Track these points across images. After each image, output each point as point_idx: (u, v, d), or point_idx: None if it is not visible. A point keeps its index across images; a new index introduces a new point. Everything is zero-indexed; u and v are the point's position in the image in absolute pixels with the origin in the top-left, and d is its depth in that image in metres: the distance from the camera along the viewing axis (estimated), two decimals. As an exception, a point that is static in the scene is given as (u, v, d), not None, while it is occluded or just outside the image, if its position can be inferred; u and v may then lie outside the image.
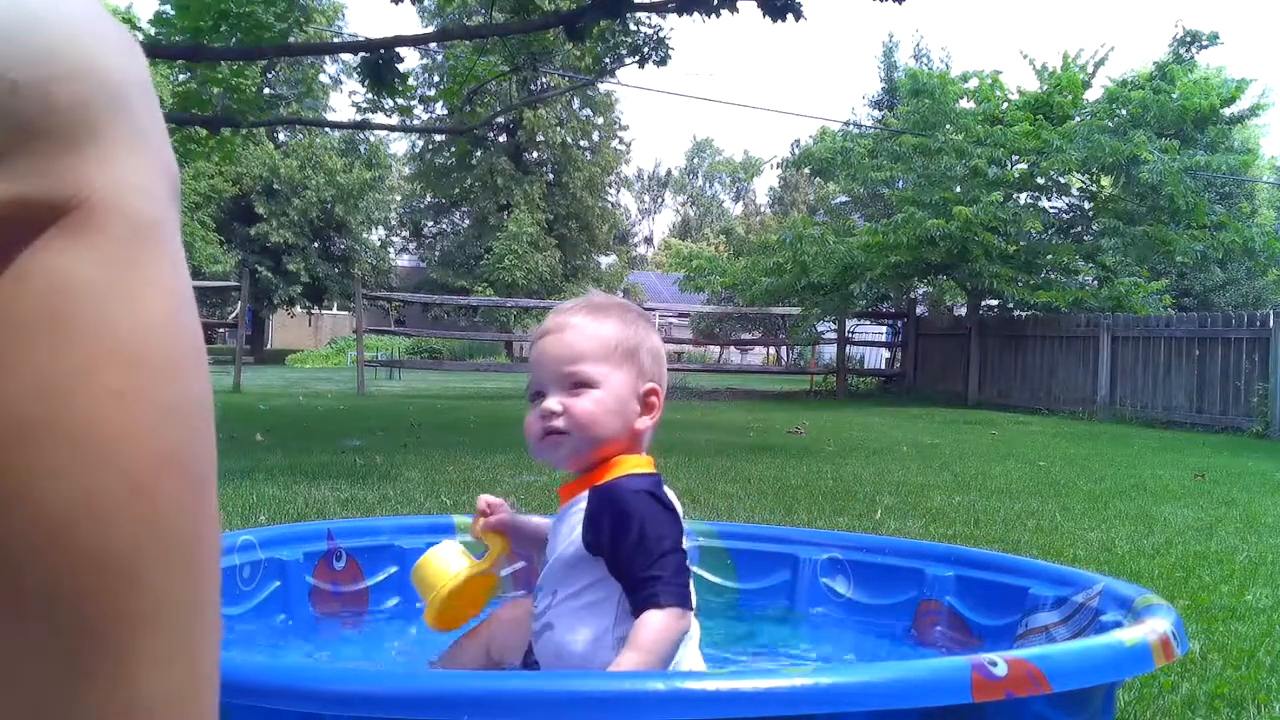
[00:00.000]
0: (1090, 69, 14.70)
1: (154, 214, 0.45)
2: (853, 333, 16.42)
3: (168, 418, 0.44)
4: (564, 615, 1.44)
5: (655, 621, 1.34)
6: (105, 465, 0.42)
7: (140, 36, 6.83)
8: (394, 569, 2.18)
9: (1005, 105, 14.53)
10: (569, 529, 1.47)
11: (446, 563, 1.56)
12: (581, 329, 1.49)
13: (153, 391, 0.44)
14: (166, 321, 0.45)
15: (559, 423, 1.46)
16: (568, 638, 1.42)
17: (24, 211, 0.41)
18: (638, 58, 8.90)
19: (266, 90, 23.61)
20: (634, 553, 1.38)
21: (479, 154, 31.81)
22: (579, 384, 1.47)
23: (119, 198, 0.43)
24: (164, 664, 0.44)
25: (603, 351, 1.48)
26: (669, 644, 1.34)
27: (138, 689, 0.43)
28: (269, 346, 31.70)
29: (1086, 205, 15.06)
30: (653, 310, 25.29)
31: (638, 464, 1.50)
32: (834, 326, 15.41)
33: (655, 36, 8.85)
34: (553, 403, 1.46)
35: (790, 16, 7.55)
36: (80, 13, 0.43)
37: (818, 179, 21.16)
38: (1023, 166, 13.94)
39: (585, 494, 1.48)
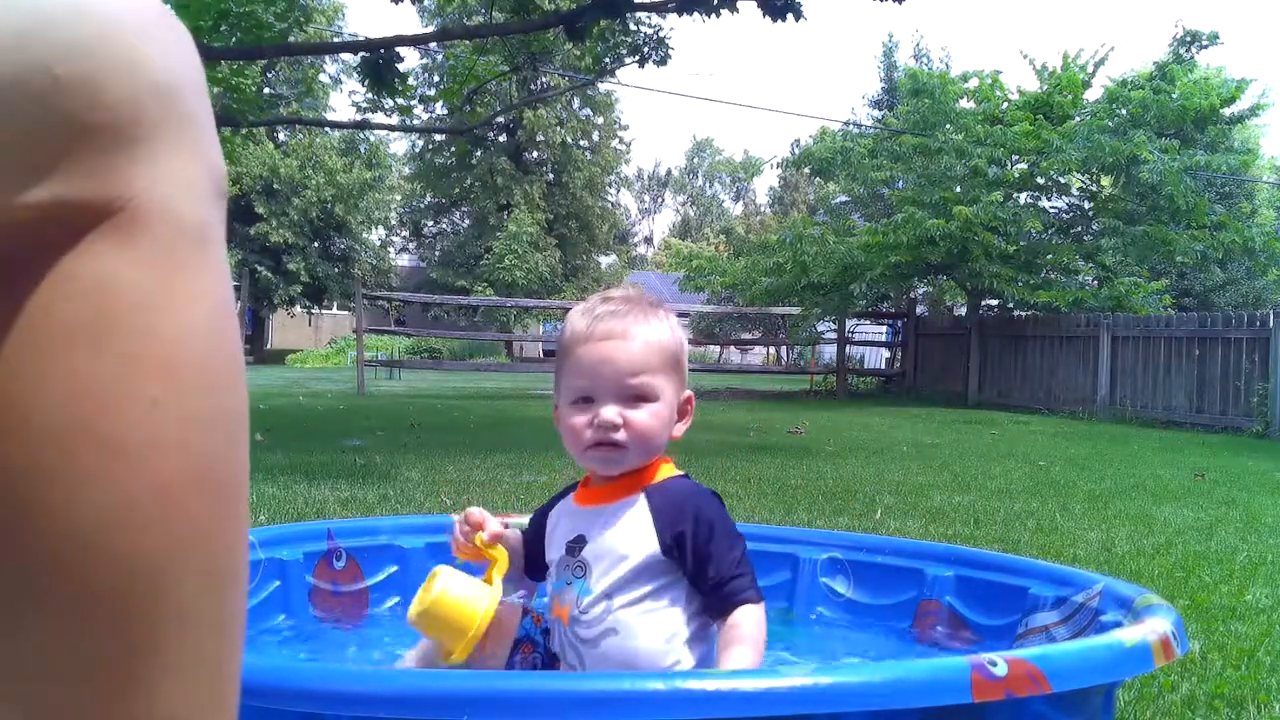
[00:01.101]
0: (1090, 69, 14.69)
1: (199, 217, 0.44)
2: (853, 333, 16.42)
3: (202, 428, 0.43)
4: (629, 619, 1.41)
5: (756, 616, 1.40)
6: (137, 474, 0.41)
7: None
8: (394, 569, 2.18)
9: (1005, 105, 14.52)
10: (626, 533, 1.44)
11: (468, 598, 1.42)
12: (643, 337, 1.44)
13: (188, 401, 0.43)
14: (207, 329, 0.44)
15: (620, 436, 1.42)
16: (637, 642, 1.41)
17: (68, 212, 0.40)
18: (638, 58, 8.90)
19: (266, 90, 23.60)
20: (721, 554, 1.41)
21: (479, 154, 31.82)
22: (640, 397, 1.43)
23: (165, 200, 0.42)
24: (188, 672, 0.44)
25: (660, 362, 1.45)
26: (765, 635, 1.42)
27: (162, 696, 0.43)
28: (269, 346, 31.70)
29: (1086, 205, 15.05)
30: (653, 310, 25.26)
31: (671, 466, 1.52)
32: (834, 326, 15.41)
33: (655, 36, 8.86)
34: (612, 414, 1.42)
35: (790, 16, 7.56)
36: (129, 3, 0.42)
37: (818, 179, 21.14)
38: (1023, 166, 13.94)
39: (635, 498, 1.46)
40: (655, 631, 1.42)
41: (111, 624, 0.41)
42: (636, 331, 1.44)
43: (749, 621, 1.39)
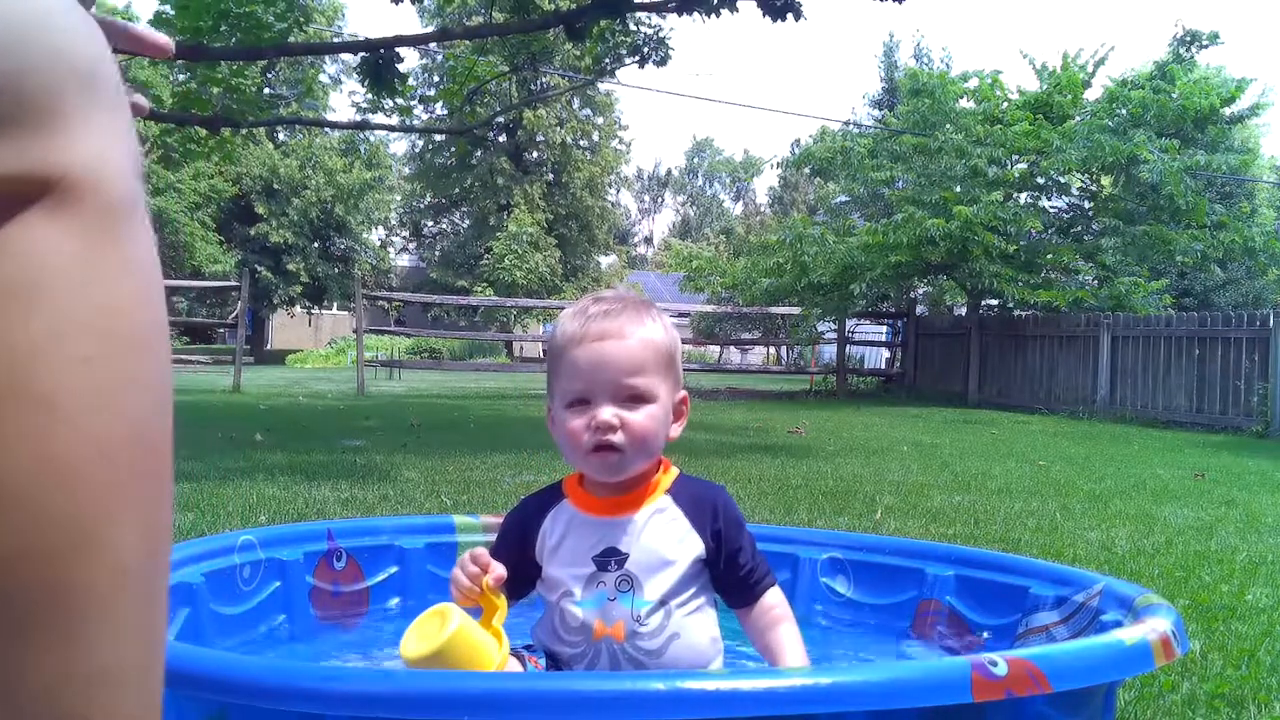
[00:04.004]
0: (1090, 69, 14.70)
1: (126, 192, 0.46)
2: (853, 333, 16.41)
3: (134, 389, 0.45)
4: (686, 622, 1.43)
5: (782, 595, 1.51)
6: (71, 432, 0.42)
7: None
8: (394, 569, 2.18)
9: (1005, 105, 14.53)
10: (668, 539, 1.43)
11: (483, 643, 1.32)
12: (639, 337, 1.43)
13: (121, 362, 0.45)
14: (137, 295, 0.46)
15: (618, 438, 1.40)
16: (695, 643, 1.43)
17: (1, 187, 0.42)
18: (638, 58, 8.90)
19: (266, 90, 23.59)
20: (746, 544, 1.48)
21: (479, 154, 31.80)
22: (636, 397, 1.42)
23: (94, 177, 0.45)
24: (125, 628, 0.45)
25: (655, 362, 1.44)
26: None
27: (99, 652, 0.44)
28: (269, 346, 31.69)
29: (1086, 205, 15.06)
30: (653, 310, 25.27)
31: (675, 469, 1.53)
32: (834, 326, 15.40)
33: (655, 36, 8.86)
34: (609, 415, 1.40)
35: (790, 16, 7.56)
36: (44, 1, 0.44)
37: (818, 179, 21.14)
38: (1023, 166, 13.94)
39: (662, 502, 1.45)
40: (704, 630, 1.45)
41: (48, 580, 0.42)
42: (632, 331, 1.43)
43: (782, 601, 1.50)
